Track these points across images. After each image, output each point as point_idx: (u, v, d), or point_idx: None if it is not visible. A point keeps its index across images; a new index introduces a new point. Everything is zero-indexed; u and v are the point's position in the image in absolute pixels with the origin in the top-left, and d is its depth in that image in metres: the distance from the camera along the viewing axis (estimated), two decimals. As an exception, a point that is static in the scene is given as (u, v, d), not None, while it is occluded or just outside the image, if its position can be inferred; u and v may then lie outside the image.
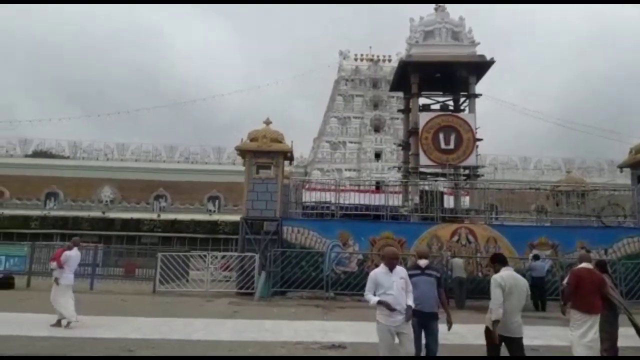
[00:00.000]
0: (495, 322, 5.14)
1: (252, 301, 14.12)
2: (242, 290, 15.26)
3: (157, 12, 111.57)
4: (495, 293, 5.19)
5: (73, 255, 9.50)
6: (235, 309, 12.27)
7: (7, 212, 37.16)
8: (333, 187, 18.26)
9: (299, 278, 15.31)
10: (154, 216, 38.35)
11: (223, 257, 17.54)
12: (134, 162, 43.96)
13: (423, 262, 6.00)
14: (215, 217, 38.93)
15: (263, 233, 16.20)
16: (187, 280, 16.80)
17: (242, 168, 17.43)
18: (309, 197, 18.62)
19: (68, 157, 44.59)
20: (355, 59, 48.77)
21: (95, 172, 42.05)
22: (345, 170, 42.75)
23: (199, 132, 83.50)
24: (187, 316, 10.71)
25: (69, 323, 8.99)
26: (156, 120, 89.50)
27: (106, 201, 41.60)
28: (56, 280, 9.29)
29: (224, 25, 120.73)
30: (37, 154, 45.26)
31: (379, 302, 5.09)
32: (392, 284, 5.14)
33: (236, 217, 24.89)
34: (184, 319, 10.25)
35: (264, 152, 16.61)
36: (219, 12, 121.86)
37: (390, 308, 5.03)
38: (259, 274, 15.19)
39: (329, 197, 18.07)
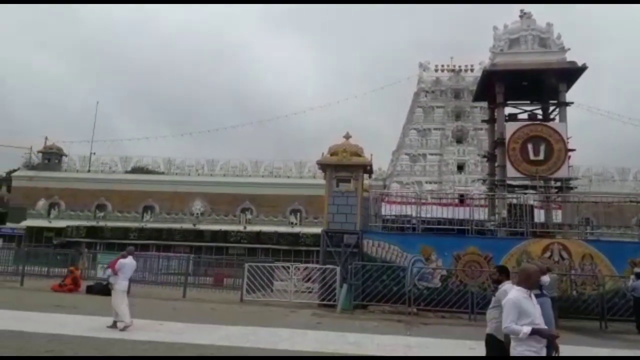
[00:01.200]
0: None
1: (334, 313, 14.29)
2: (324, 302, 15.48)
3: (242, 28, 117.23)
4: None
5: (127, 263, 10.01)
6: (318, 320, 12.49)
7: (110, 224, 40.49)
8: (413, 200, 18.03)
9: (380, 292, 15.27)
10: (241, 228, 39.97)
11: (305, 268, 17.89)
12: (222, 177, 46.20)
13: (545, 280, 5.42)
14: (297, 229, 39.78)
15: (343, 246, 16.31)
16: (272, 290, 17.32)
17: (323, 181, 17.77)
18: (389, 210, 18.49)
19: (163, 173, 47.83)
20: (436, 70, 47.92)
21: (188, 187, 44.75)
22: (426, 182, 41.89)
23: (282, 147, 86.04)
24: (273, 326, 11.07)
25: (125, 327, 9.39)
26: (242, 137, 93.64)
27: (197, 214, 43.99)
28: (111, 285, 9.89)
29: (302, 41, 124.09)
30: (135, 170, 49.05)
31: (536, 332, 4.10)
32: (536, 312, 4.22)
33: (317, 230, 25.28)
34: (269, 329, 10.62)
35: (344, 166, 16.83)
36: (297, 28, 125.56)
37: (546, 336, 4.19)
38: (341, 287, 15.35)
39: (410, 210, 17.85)
